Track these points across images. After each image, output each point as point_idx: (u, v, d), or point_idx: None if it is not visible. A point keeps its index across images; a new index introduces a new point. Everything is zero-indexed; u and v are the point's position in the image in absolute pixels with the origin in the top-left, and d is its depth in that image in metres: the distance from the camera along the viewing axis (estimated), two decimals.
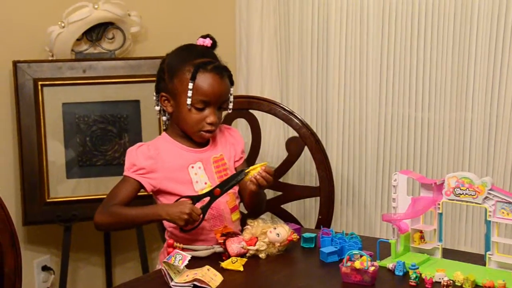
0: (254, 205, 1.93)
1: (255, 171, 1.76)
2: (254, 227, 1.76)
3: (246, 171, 1.76)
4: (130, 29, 2.61)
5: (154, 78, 1.91)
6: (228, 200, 1.88)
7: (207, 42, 1.86)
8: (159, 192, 1.84)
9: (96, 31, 2.54)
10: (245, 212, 2.04)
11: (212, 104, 1.81)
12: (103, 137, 2.49)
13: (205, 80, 1.79)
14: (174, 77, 1.81)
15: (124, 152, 2.43)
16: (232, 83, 1.86)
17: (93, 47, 2.56)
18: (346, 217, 2.67)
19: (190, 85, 1.77)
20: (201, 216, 1.75)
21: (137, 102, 2.52)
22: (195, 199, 1.76)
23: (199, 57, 1.81)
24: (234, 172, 1.88)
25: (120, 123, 2.51)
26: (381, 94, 2.54)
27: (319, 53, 2.63)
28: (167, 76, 1.83)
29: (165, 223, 1.88)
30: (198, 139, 1.86)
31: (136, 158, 1.83)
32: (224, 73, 1.83)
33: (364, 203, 2.64)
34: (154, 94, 1.88)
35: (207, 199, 1.77)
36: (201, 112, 1.81)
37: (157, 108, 1.88)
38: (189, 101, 1.78)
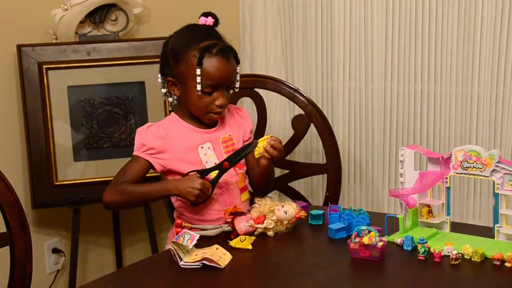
0: (264, 183, 1.93)
1: (263, 142, 1.77)
2: (262, 205, 1.76)
3: (255, 142, 1.77)
4: (133, 10, 2.60)
5: (158, 60, 1.90)
6: (238, 181, 1.88)
7: (209, 20, 1.84)
8: (169, 172, 1.84)
9: (99, 13, 2.53)
10: (252, 191, 2.03)
11: (220, 87, 1.81)
12: (109, 119, 2.49)
13: (212, 65, 1.78)
14: (180, 62, 1.81)
15: (131, 134, 2.46)
16: (238, 62, 1.86)
17: (97, 29, 2.55)
18: (354, 193, 2.67)
19: (198, 71, 1.77)
20: (211, 190, 1.76)
21: (142, 83, 2.52)
22: (203, 173, 1.77)
23: (203, 39, 1.80)
24: None
25: (126, 105, 2.51)
26: (387, 70, 2.53)
27: (323, 31, 2.61)
28: (171, 60, 1.83)
29: (174, 201, 1.89)
30: (207, 121, 1.86)
31: (146, 138, 1.82)
32: (230, 54, 1.82)
33: (372, 179, 2.64)
34: (159, 76, 1.88)
35: (215, 172, 1.77)
36: (209, 96, 1.81)
37: (163, 90, 1.88)
38: (199, 87, 1.78)
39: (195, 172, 1.76)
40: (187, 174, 1.78)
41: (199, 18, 1.86)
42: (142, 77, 2.51)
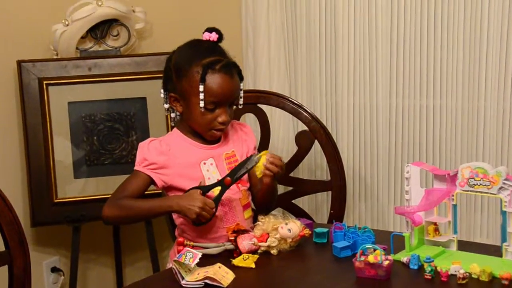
0: (267, 201, 1.93)
1: (262, 159, 1.77)
2: (265, 223, 1.76)
3: (256, 156, 1.76)
4: (135, 26, 2.61)
5: (160, 75, 1.90)
6: (241, 198, 1.88)
7: (213, 36, 1.85)
8: (170, 188, 1.84)
9: (101, 29, 2.54)
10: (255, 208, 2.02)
11: (222, 103, 1.81)
12: (110, 136, 2.49)
13: (215, 81, 1.78)
14: (183, 78, 1.81)
15: (132, 150, 2.46)
16: (241, 78, 1.86)
17: (98, 44, 2.55)
18: (359, 210, 2.67)
19: (201, 88, 1.78)
20: (214, 209, 1.75)
21: (143, 99, 2.52)
22: (205, 189, 1.76)
23: (207, 55, 1.81)
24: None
25: (127, 121, 2.51)
26: (392, 84, 2.53)
27: (327, 45, 2.62)
28: (174, 76, 1.83)
29: (176, 219, 1.89)
30: (209, 138, 1.86)
31: (148, 152, 1.83)
32: (233, 71, 1.82)
33: (377, 196, 2.63)
34: (162, 92, 1.88)
35: (217, 189, 1.77)
36: (212, 112, 1.81)
37: (166, 106, 1.88)
38: (201, 104, 1.78)
39: (197, 189, 1.75)
40: (188, 190, 1.77)
41: (203, 33, 1.87)
42: (144, 93, 2.51)
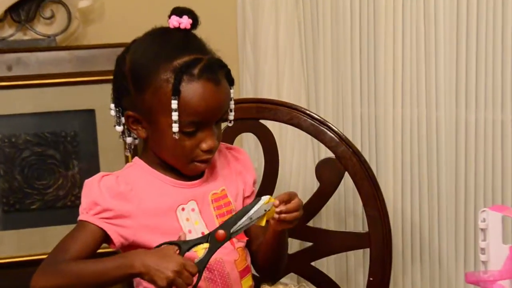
0: (274, 262, 1.96)
1: (270, 212, 1.77)
2: None
3: (265, 201, 1.76)
4: (77, 4, 2.61)
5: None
6: (237, 260, 1.90)
7: (185, 22, 1.84)
8: (133, 247, 1.84)
9: (26, 7, 2.55)
10: (257, 274, 2.05)
11: (207, 123, 1.83)
12: (41, 167, 2.48)
13: (194, 93, 1.79)
14: (145, 90, 1.82)
15: (73, 188, 2.46)
16: (231, 82, 1.87)
17: (22, 31, 2.56)
18: (412, 278, 2.67)
19: (174, 104, 1.78)
20: (197, 276, 1.72)
21: (90, 112, 2.53)
22: (185, 246, 1.75)
23: (178, 53, 1.81)
24: None
25: (66, 144, 2.51)
26: (459, 91, 2.57)
27: (363, 34, 2.65)
28: (132, 86, 1.84)
29: (140, 286, 1.89)
30: (189, 173, 1.88)
31: (100, 194, 1.82)
32: (219, 73, 1.83)
33: (439, 256, 2.64)
34: (113, 107, 1.90)
35: (203, 247, 1.76)
36: (192, 137, 1.82)
37: (119, 129, 1.90)
38: (175, 127, 1.79)
39: (172, 245, 1.75)
40: (159, 246, 1.76)
41: (169, 17, 1.86)
42: (91, 103, 2.51)
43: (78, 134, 2.53)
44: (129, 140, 1.91)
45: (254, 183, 2.02)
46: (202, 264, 1.74)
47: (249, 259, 1.95)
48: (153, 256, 1.72)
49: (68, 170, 2.53)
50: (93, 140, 2.54)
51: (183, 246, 1.75)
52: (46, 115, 2.51)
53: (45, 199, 2.51)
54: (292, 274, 2.36)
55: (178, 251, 1.73)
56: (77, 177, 2.49)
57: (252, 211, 1.77)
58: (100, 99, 2.48)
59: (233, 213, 1.84)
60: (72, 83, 2.51)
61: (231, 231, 1.75)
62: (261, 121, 2.33)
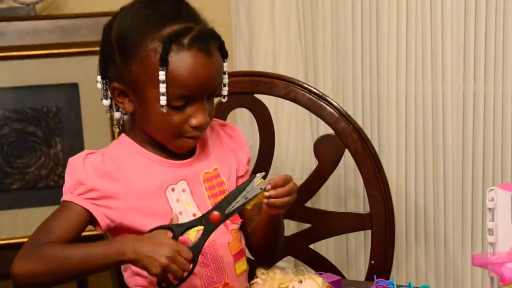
0: (270, 245, 1.95)
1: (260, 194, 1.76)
2: (268, 280, 1.72)
3: (259, 180, 1.75)
4: None
5: (97, 50, 1.89)
6: (230, 242, 1.89)
7: None
8: (119, 230, 1.84)
9: None
10: (252, 258, 2.05)
11: (197, 97, 1.81)
12: (21, 145, 2.52)
13: (183, 64, 1.78)
14: (132, 60, 1.80)
15: (56, 167, 2.47)
16: (224, 55, 1.85)
17: None
18: (415, 261, 2.68)
19: (162, 75, 1.77)
20: (192, 261, 1.73)
21: (73, 86, 2.54)
22: (179, 229, 1.74)
23: (167, 21, 1.80)
24: None
25: (48, 121, 2.53)
26: (467, 67, 2.56)
27: (365, 3, 2.64)
28: (118, 56, 1.82)
29: (129, 277, 1.88)
30: (177, 150, 1.87)
31: (85, 173, 1.81)
32: (210, 44, 1.81)
33: (444, 237, 2.64)
34: (99, 80, 1.88)
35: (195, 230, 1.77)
36: (181, 111, 1.81)
37: (106, 102, 1.88)
38: (163, 100, 1.78)
39: (165, 229, 1.74)
40: (151, 231, 1.75)
41: None
42: (75, 76, 2.54)
43: (61, 110, 2.55)
44: (117, 115, 1.89)
45: (248, 161, 2.01)
46: (197, 248, 1.74)
47: (243, 241, 1.95)
48: (144, 242, 1.71)
49: (50, 148, 2.54)
50: (76, 116, 2.55)
51: (176, 229, 1.74)
52: (26, 89, 2.53)
53: (26, 179, 2.53)
54: (289, 257, 2.38)
55: (171, 235, 1.73)
56: (60, 155, 2.51)
57: (246, 190, 1.76)
58: (84, 72, 2.51)
59: (226, 193, 1.86)
60: (53, 55, 2.52)
61: (226, 212, 1.75)
62: (256, 95, 2.32)
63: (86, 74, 2.48)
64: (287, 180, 1.79)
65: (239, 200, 1.75)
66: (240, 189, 1.76)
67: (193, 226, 1.75)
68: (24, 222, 2.43)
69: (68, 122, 2.52)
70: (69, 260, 1.74)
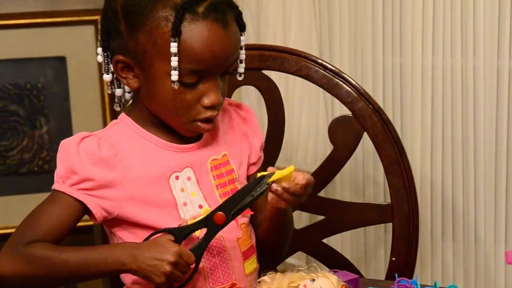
0: (277, 240, 1.97)
1: (285, 179, 1.74)
2: (277, 278, 1.73)
3: (269, 180, 1.74)
4: None
5: (90, 18, 1.91)
6: (240, 238, 1.89)
7: None
8: (118, 222, 1.84)
9: None
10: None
11: (211, 73, 1.80)
12: (1, 125, 2.54)
13: (198, 35, 1.76)
14: (139, 29, 1.79)
15: (41, 150, 2.48)
16: (242, 27, 1.85)
17: None
18: (442, 257, 2.70)
19: (173, 47, 1.75)
20: (194, 265, 1.75)
21: (61, 60, 2.55)
22: (181, 233, 1.75)
23: None
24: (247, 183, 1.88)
25: (32, 99, 2.54)
26: (501, 40, 2.56)
27: None
28: (124, 25, 1.81)
29: (130, 285, 1.88)
30: (188, 134, 1.87)
31: (78, 160, 1.80)
32: (228, 14, 1.80)
33: (475, 231, 2.65)
34: (100, 52, 1.86)
35: (201, 232, 1.77)
36: (192, 90, 1.80)
37: (107, 77, 1.86)
38: (174, 75, 1.76)
39: (164, 233, 1.75)
40: (152, 235, 1.77)
41: None
42: (62, 49, 2.54)
43: (46, 87, 2.57)
44: (118, 92, 1.88)
45: (261, 148, 2.01)
46: (200, 251, 1.75)
47: (254, 237, 1.95)
48: (145, 250, 1.73)
49: (34, 129, 2.55)
50: (64, 93, 2.56)
51: (178, 234, 1.76)
52: (7, 63, 2.55)
53: (6, 163, 2.55)
54: (300, 253, 2.38)
55: (172, 239, 1.75)
56: (45, 137, 2.50)
57: (256, 186, 1.76)
58: (72, 45, 2.51)
59: (236, 183, 1.88)
60: (38, 24, 2.53)
61: (232, 212, 1.76)
62: (264, 71, 2.32)
63: (74, 46, 2.48)
64: (309, 183, 1.77)
65: (247, 200, 1.75)
66: (248, 189, 1.75)
67: (196, 229, 1.76)
68: (4, 211, 2.42)
69: (54, 101, 2.54)
70: (58, 265, 1.75)
